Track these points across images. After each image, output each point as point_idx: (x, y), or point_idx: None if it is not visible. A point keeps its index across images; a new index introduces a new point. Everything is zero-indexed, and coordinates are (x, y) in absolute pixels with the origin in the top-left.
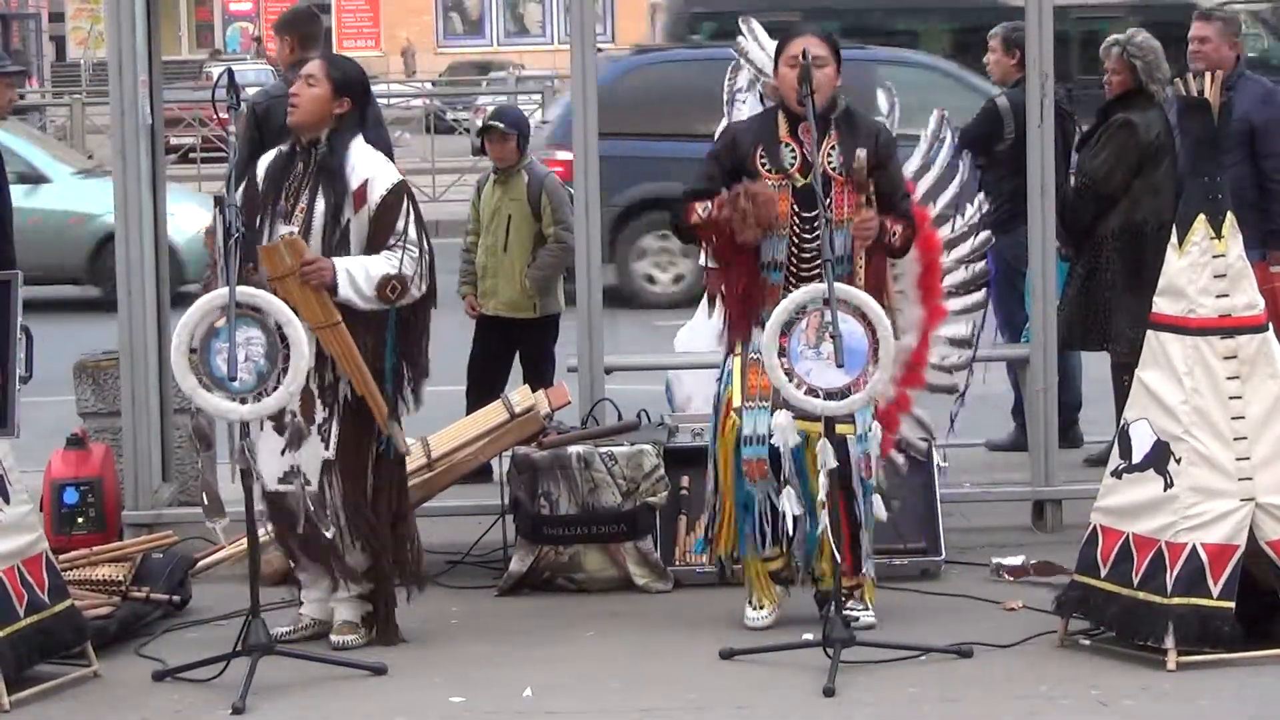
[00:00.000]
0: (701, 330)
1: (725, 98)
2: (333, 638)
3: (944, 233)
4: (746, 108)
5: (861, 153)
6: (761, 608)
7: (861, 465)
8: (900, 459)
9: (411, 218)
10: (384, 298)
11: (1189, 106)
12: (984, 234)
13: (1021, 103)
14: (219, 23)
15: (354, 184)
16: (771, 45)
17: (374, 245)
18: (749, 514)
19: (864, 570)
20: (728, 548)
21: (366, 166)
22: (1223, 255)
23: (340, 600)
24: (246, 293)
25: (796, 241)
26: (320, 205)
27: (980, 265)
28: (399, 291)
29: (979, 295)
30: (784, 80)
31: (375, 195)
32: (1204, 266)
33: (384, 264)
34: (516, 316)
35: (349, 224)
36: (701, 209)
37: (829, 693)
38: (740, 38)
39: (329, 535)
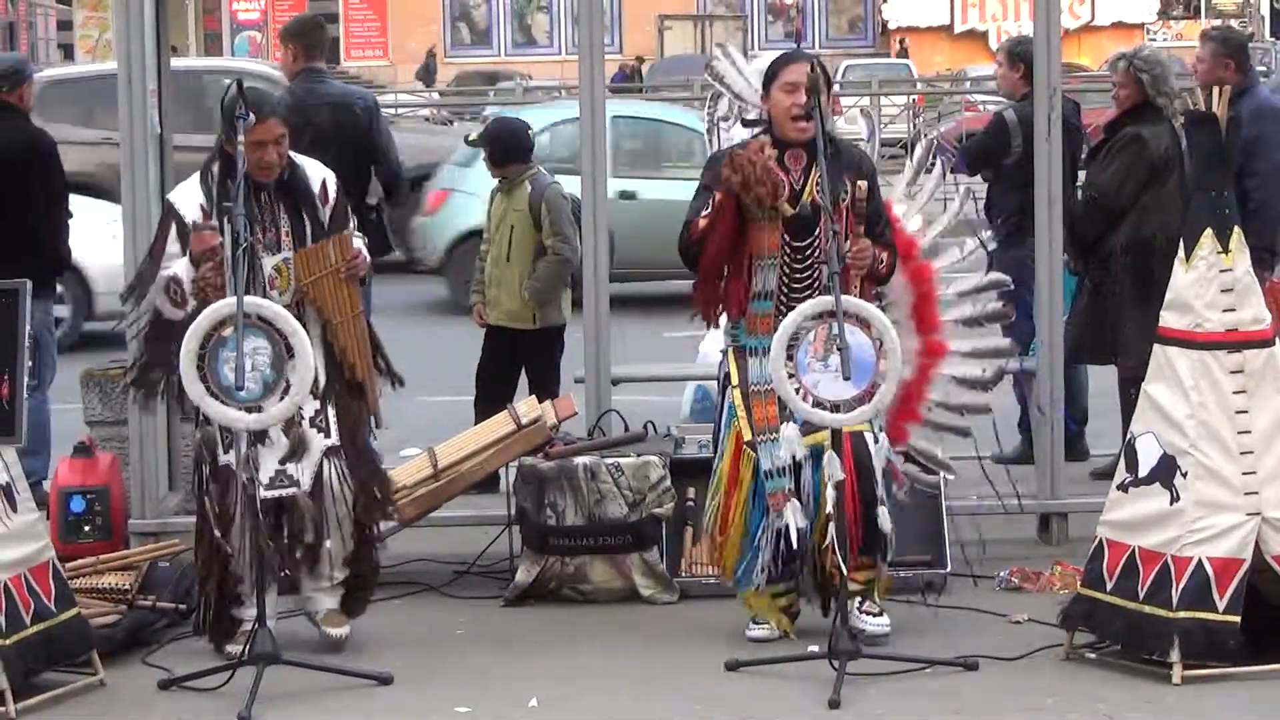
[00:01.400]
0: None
1: (706, 125)
2: (330, 631)
3: (941, 263)
4: (731, 135)
5: (863, 184)
6: (766, 624)
7: (884, 460)
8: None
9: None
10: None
11: (1197, 121)
12: (994, 275)
13: (1028, 116)
14: (227, 31)
15: (316, 189)
16: (750, 70)
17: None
18: (756, 545)
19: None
20: (730, 571)
21: (315, 169)
22: (1230, 270)
23: (322, 590)
24: (254, 302)
25: (787, 271)
26: (306, 223)
27: (996, 305)
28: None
29: (1002, 342)
30: (777, 106)
31: (331, 192)
32: (1211, 280)
33: (362, 247)
34: (518, 327)
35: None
36: (704, 216)
37: (834, 705)
38: (716, 62)
39: (327, 543)
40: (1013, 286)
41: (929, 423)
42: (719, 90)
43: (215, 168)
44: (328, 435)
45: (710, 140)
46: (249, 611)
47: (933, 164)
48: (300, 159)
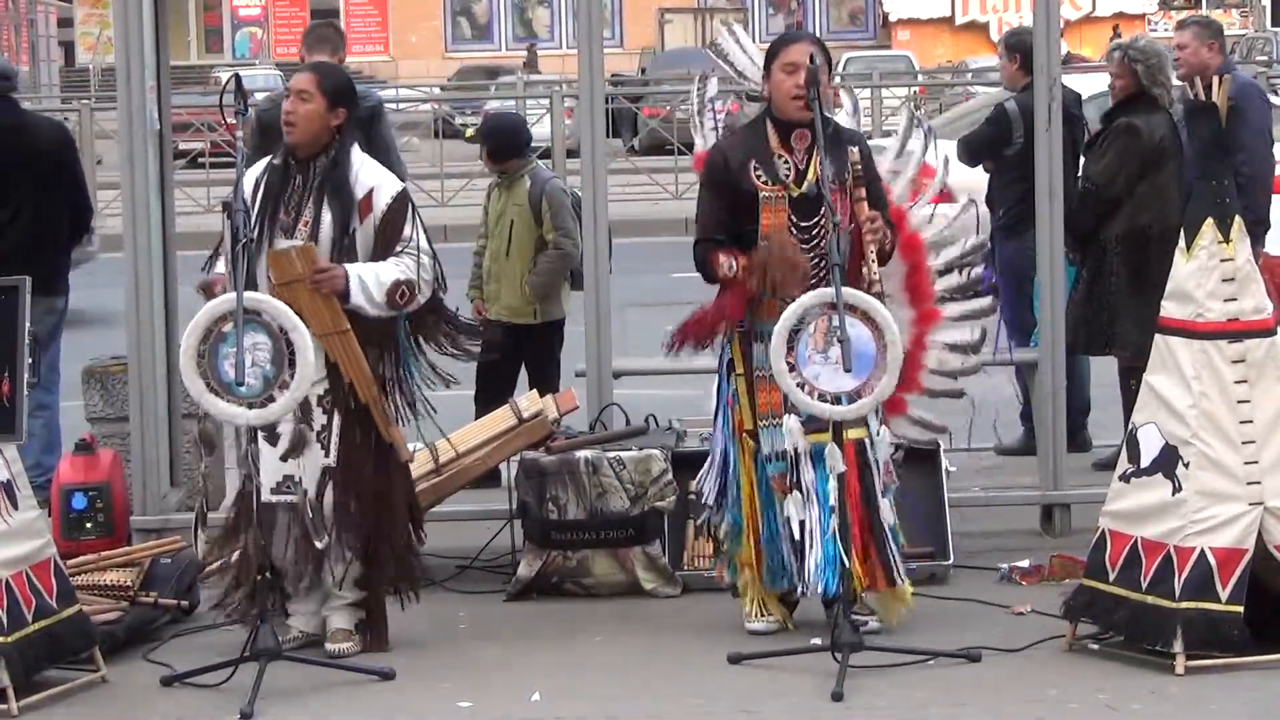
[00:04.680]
0: None
1: (695, 108)
2: (328, 646)
3: (928, 233)
4: (714, 118)
5: (854, 150)
6: (763, 617)
7: (882, 469)
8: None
9: (417, 223)
10: (393, 304)
11: (1196, 109)
12: (976, 239)
13: (1030, 107)
14: (228, 28)
15: (359, 194)
16: (753, 48)
17: (381, 253)
18: (774, 544)
19: (899, 581)
20: (755, 575)
21: (370, 176)
22: (1231, 259)
23: (333, 609)
24: (253, 298)
25: None
26: (327, 217)
27: (977, 270)
28: (408, 298)
29: (985, 302)
30: (778, 86)
31: (380, 204)
32: (1212, 270)
33: (394, 270)
34: (518, 322)
35: (355, 234)
36: (727, 266)
37: (837, 697)
38: (720, 40)
39: (320, 545)
40: (990, 247)
41: (927, 390)
42: (708, 70)
43: (282, 146)
44: (327, 454)
45: (701, 122)
46: (291, 605)
47: (914, 133)
48: (361, 161)
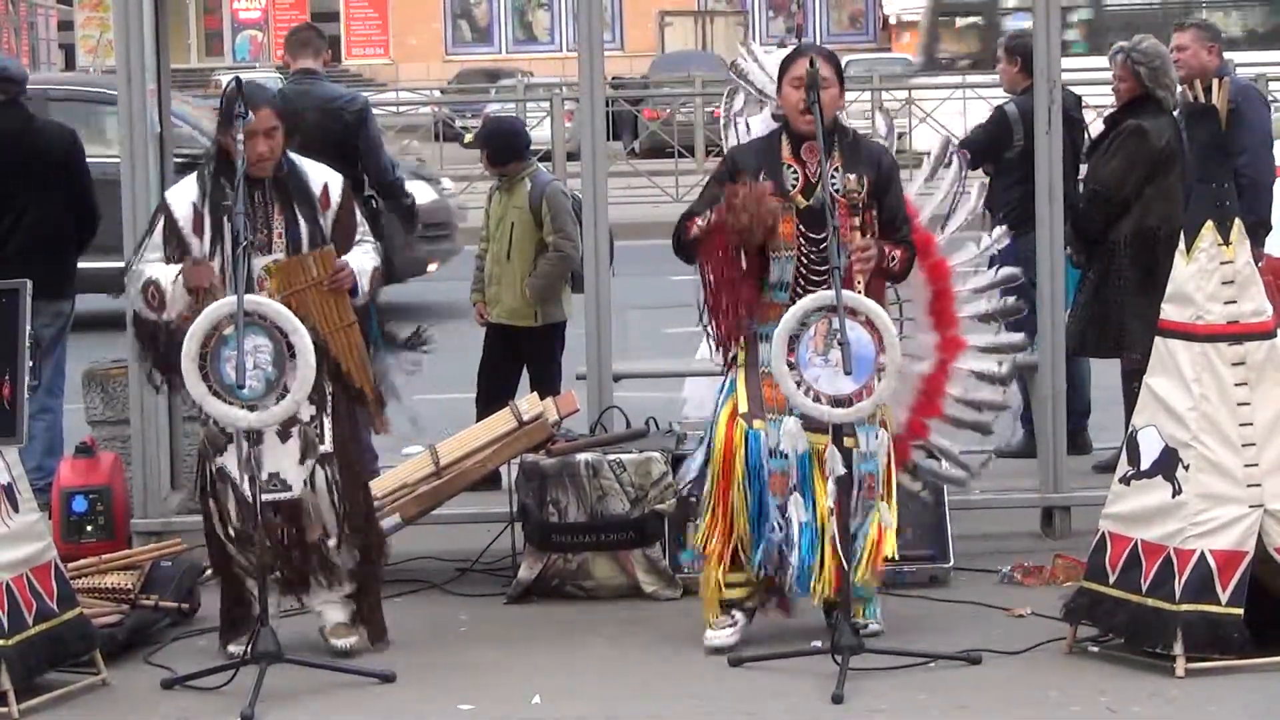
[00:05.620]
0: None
1: (722, 121)
2: (332, 641)
3: (957, 260)
4: (746, 131)
5: (852, 177)
6: (719, 625)
7: (865, 483)
8: (917, 486)
9: (360, 210)
10: (371, 292)
11: (1196, 112)
12: (1007, 270)
13: (1030, 110)
14: (228, 31)
15: (316, 191)
16: (772, 66)
17: (344, 242)
18: (762, 528)
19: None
20: (722, 563)
21: (317, 172)
22: (1230, 261)
23: (330, 603)
24: (254, 301)
25: (804, 263)
26: (302, 223)
27: (1011, 301)
28: (378, 284)
29: (1017, 338)
30: (787, 100)
31: (335, 196)
32: (1212, 273)
33: (369, 259)
34: (519, 325)
35: (322, 230)
36: (701, 220)
37: (838, 700)
38: (739, 59)
39: (317, 537)
40: (1021, 280)
41: (949, 418)
42: (735, 85)
43: (211, 166)
44: (321, 442)
45: (724, 135)
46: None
47: (950, 161)
48: (303, 161)
